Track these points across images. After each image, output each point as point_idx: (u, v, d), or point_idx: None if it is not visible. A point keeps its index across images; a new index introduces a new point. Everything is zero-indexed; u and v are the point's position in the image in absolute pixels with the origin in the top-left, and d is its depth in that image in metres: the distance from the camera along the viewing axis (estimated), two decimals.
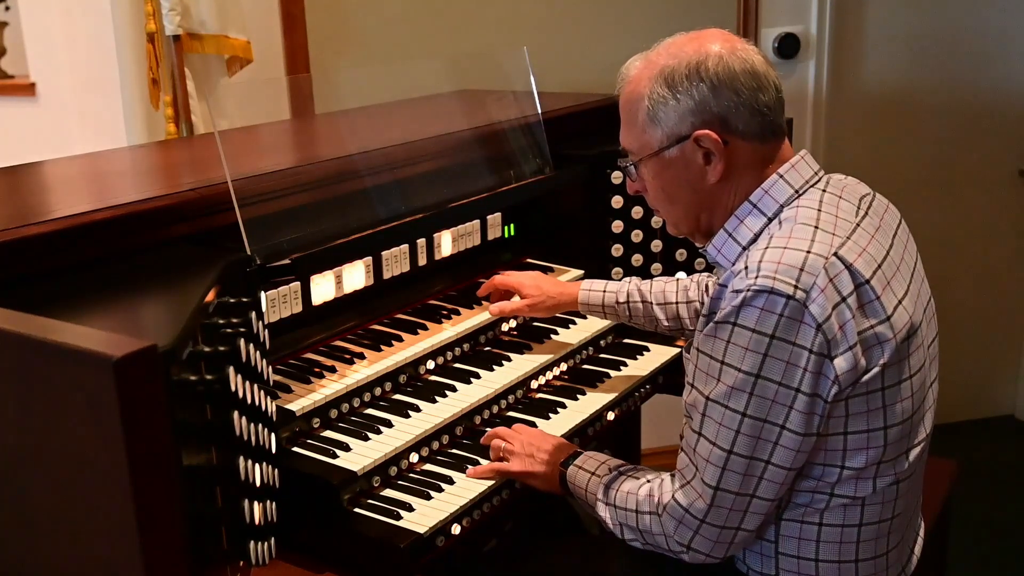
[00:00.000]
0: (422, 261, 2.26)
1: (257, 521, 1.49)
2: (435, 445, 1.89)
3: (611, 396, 2.13)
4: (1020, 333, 4.20)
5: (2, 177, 2.09)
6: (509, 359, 2.13)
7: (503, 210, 2.45)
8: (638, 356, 2.31)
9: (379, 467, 1.76)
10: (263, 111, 2.68)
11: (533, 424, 1.98)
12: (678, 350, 2.31)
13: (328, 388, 1.85)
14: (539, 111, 2.41)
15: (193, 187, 1.81)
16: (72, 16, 3.43)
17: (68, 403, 1.12)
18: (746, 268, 1.48)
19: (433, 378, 2.05)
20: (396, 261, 2.19)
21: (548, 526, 2.26)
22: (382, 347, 2.01)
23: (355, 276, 2.11)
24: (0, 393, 1.20)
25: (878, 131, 3.81)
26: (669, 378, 2.28)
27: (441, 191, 2.17)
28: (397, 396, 1.97)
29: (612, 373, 2.22)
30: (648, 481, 1.65)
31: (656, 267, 2.54)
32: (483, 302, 2.25)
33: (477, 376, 2.05)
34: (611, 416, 2.11)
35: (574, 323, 2.33)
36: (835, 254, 1.48)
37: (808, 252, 1.47)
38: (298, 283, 1.97)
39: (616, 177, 2.46)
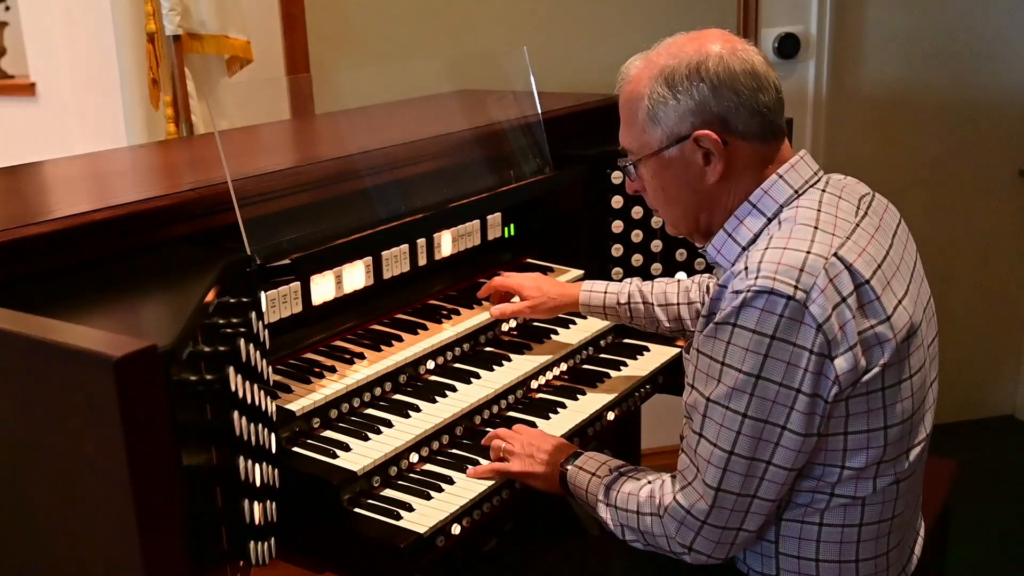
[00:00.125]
0: (422, 261, 2.26)
1: (257, 521, 1.49)
2: (435, 445, 1.89)
3: (611, 396, 2.13)
4: (1020, 333, 4.20)
5: (2, 177, 2.09)
6: (509, 359, 2.13)
7: (503, 210, 2.45)
8: (638, 356, 2.31)
9: (379, 467, 1.76)
10: (263, 111, 2.68)
11: (533, 424, 1.98)
12: (678, 350, 2.31)
13: (328, 388, 1.85)
14: (539, 111, 2.41)
15: (193, 187, 1.81)
16: (72, 16, 3.43)
17: (68, 403, 1.12)
18: (746, 269, 1.48)
19: (433, 378, 2.05)
20: (396, 261, 2.19)
21: (548, 526, 2.26)
22: (382, 347, 2.01)
23: (355, 276, 2.11)
24: (0, 393, 1.20)
25: (878, 131, 3.81)
26: (669, 378, 2.28)
27: (441, 191, 2.17)
28: (397, 396, 1.97)
29: (612, 373, 2.22)
30: (649, 482, 1.65)
31: (656, 267, 2.54)
32: (483, 303, 2.25)
33: (477, 376, 2.05)
34: (611, 416, 2.11)
35: (574, 323, 2.33)
36: (835, 254, 1.48)
37: (808, 252, 1.47)
38: (298, 283, 1.97)
39: (616, 177, 2.46)
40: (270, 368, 1.73)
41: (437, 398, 1.95)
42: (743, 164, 1.60)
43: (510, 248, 2.52)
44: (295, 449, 1.76)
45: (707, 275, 2.17)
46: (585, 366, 2.26)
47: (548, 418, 2.02)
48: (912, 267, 1.65)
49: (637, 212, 2.48)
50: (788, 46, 3.60)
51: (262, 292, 1.76)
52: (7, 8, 4.72)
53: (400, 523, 1.66)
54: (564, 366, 2.22)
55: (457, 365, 2.10)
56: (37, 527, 1.25)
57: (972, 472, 2.74)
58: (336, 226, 1.92)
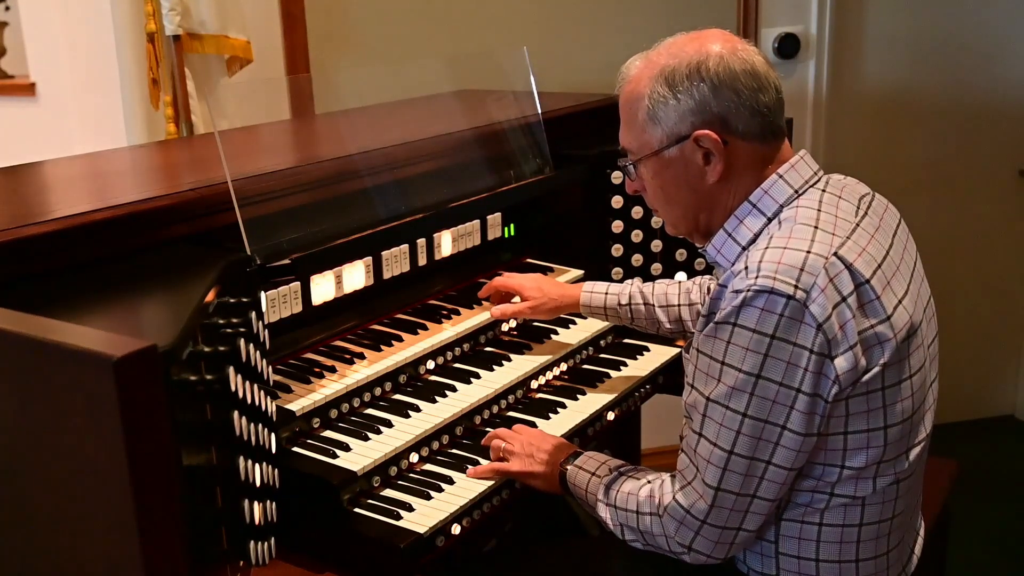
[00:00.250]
0: (422, 261, 2.26)
1: (257, 521, 1.49)
2: (435, 445, 1.89)
3: (611, 396, 2.13)
4: (1020, 333, 4.20)
5: (2, 177, 2.09)
6: (509, 359, 2.13)
7: (503, 210, 2.45)
8: (638, 356, 2.31)
9: (379, 467, 1.76)
10: (263, 111, 2.68)
11: (533, 424, 1.98)
12: (678, 350, 2.31)
13: (328, 388, 1.85)
14: (539, 111, 2.41)
15: (193, 187, 1.81)
16: (72, 16, 3.43)
17: (68, 403, 1.12)
18: (746, 268, 1.48)
19: (433, 378, 2.05)
20: (396, 261, 2.19)
21: (548, 526, 2.26)
22: (382, 347, 2.01)
23: (355, 276, 2.11)
24: (0, 393, 1.20)
25: (878, 131, 3.81)
26: (669, 378, 2.28)
27: (441, 191, 2.17)
28: (397, 396, 1.97)
29: (612, 373, 2.22)
30: (649, 482, 1.65)
31: (656, 267, 2.54)
32: (484, 303, 2.25)
33: (477, 376, 2.05)
34: (611, 416, 2.11)
35: (574, 323, 2.33)
36: (835, 254, 1.48)
37: (808, 252, 1.47)
38: (298, 283, 1.97)
39: (616, 177, 2.46)
40: (270, 368, 1.73)
41: (437, 398, 1.95)
42: (743, 164, 1.60)
43: (510, 248, 2.52)
44: (295, 449, 1.76)
45: (708, 276, 2.17)
46: (585, 366, 2.26)
47: (548, 418, 2.02)
48: (912, 267, 1.65)
49: (637, 212, 2.48)
50: (788, 46, 3.60)
51: (262, 292, 1.76)
52: (7, 8, 4.72)
53: (400, 523, 1.66)
54: (564, 366, 2.22)
55: (457, 365, 2.10)
56: (37, 527, 1.25)
57: (972, 472, 2.74)
58: (336, 226, 1.92)
